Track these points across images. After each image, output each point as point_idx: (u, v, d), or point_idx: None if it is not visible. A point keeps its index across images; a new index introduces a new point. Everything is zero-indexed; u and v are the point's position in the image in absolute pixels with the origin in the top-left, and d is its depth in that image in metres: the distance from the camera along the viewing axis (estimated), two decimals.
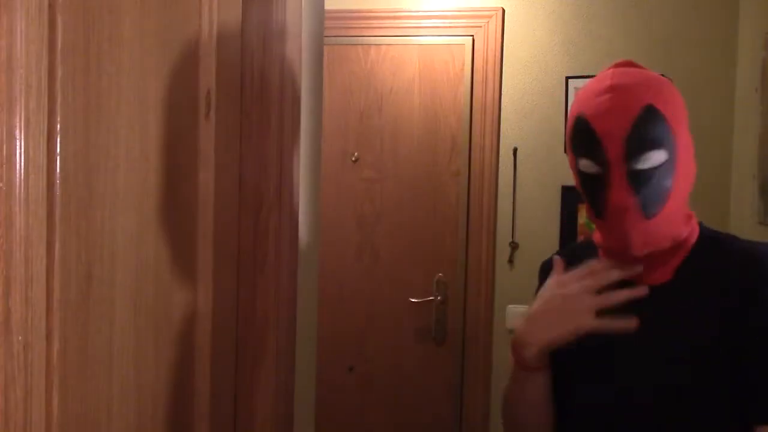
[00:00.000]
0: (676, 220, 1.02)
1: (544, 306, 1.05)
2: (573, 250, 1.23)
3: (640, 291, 1.01)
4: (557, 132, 2.74)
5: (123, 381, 0.84)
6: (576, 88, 2.70)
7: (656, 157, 0.97)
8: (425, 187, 2.86)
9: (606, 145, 0.98)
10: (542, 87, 2.76)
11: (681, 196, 1.01)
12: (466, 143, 2.81)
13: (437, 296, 2.85)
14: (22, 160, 0.61)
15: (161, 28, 0.89)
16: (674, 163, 0.98)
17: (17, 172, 0.61)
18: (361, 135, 2.89)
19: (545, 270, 1.20)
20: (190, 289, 1.00)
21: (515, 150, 2.78)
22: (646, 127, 0.97)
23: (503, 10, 2.77)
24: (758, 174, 2.23)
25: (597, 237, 1.14)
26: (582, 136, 1.02)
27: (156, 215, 0.90)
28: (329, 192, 2.86)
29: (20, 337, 0.62)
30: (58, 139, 0.68)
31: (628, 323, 1.00)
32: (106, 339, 0.79)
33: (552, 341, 1.03)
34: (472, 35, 2.80)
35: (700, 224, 1.10)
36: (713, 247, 1.06)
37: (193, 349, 1.02)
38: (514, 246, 2.78)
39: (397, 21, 2.85)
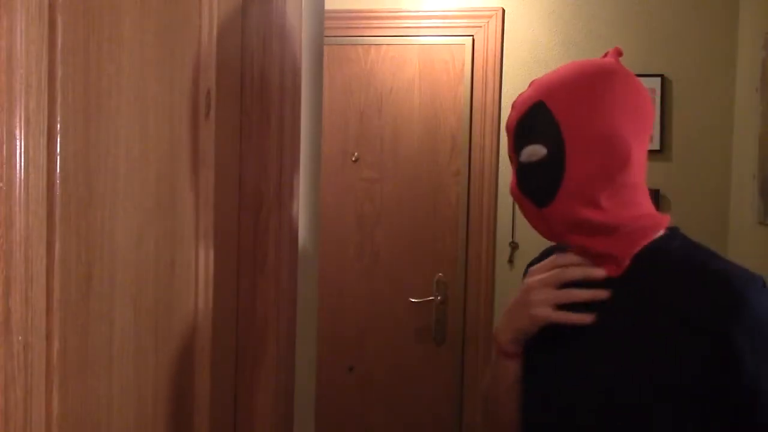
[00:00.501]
0: (578, 210, 0.98)
1: (516, 297, 1.09)
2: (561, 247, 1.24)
3: (601, 293, 1.01)
4: None
5: (123, 381, 0.84)
6: None
7: (535, 151, 1.01)
8: (425, 187, 2.86)
9: (507, 136, 1.07)
10: None
11: (578, 187, 0.97)
12: (466, 143, 2.81)
13: (437, 296, 2.85)
14: (22, 160, 0.61)
15: (161, 28, 0.89)
16: (562, 154, 0.98)
17: (17, 172, 0.61)
18: (361, 135, 2.89)
19: (530, 264, 1.22)
20: (190, 289, 1.00)
21: None
22: (527, 123, 1.02)
23: (503, 10, 2.77)
24: (758, 174, 2.23)
25: None
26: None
27: (156, 215, 0.90)
28: (329, 192, 2.86)
29: (20, 337, 0.62)
30: (58, 139, 0.68)
31: (583, 317, 1.01)
32: (106, 339, 0.79)
33: (516, 331, 1.07)
34: (472, 35, 2.80)
35: (675, 230, 1.05)
36: (679, 248, 1.01)
37: (193, 349, 1.02)
38: (514, 246, 2.78)
39: (397, 21, 2.85)
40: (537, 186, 1.01)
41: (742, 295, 0.91)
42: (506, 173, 2.78)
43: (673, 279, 0.98)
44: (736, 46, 2.60)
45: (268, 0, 1.14)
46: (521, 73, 2.77)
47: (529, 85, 1.07)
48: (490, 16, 2.77)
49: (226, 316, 1.12)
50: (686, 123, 2.64)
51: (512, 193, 1.06)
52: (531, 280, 1.06)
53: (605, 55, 1.08)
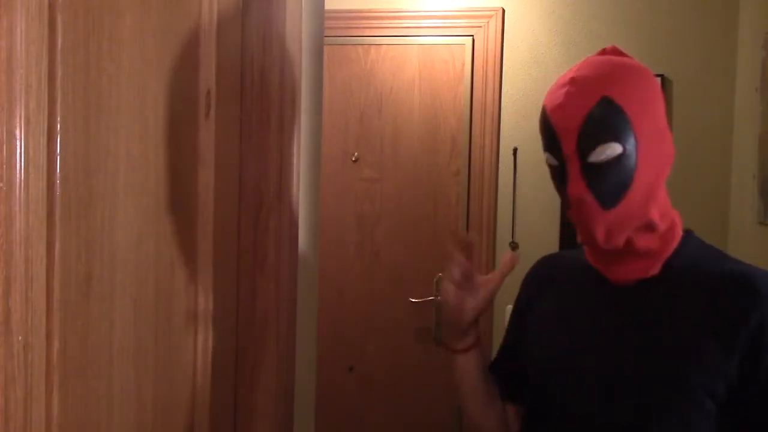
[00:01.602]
0: (643, 210, 0.99)
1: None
2: (566, 253, 1.25)
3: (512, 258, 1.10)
4: None
5: (123, 381, 0.84)
6: None
7: (610, 150, 0.95)
8: (425, 187, 2.86)
9: (561, 138, 0.98)
10: (542, 87, 2.76)
11: (646, 185, 0.98)
12: (466, 143, 2.81)
13: (437, 296, 2.85)
14: (22, 160, 0.61)
15: (161, 27, 0.89)
16: (634, 154, 0.96)
17: (17, 172, 0.61)
18: (361, 135, 2.89)
19: (529, 271, 1.26)
20: (190, 289, 1.00)
21: (515, 150, 2.78)
22: (600, 120, 0.95)
23: (503, 10, 2.77)
24: (758, 174, 2.23)
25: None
26: (544, 129, 1.02)
27: (156, 215, 0.90)
28: (329, 192, 2.86)
29: (20, 337, 0.62)
30: (58, 139, 0.68)
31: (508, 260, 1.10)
32: (106, 339, 0.79)
33: (447, 324, 1.15)
34: (472, 35, 2.80)
35: (689, 231, 1.08)
36: (700, 249, 1.04)
37: (193, 348, 1.02)
38: (514, 246, 2.78)
39: (397, 21, 2.85)
40: (608, 186, 0.96)
41: (763, 294, 0.95)
42: (506, 173, 2.78)
43: (701, 283, 0.99)
44: (736, 46, 2.60)
45: (268, 0, 1.14)
46: (521, 73, 2.77)
47: (565, 84, 0.98)
48: (490, 16, 2.77)
49: (226, 316, 1.12)
50: (686, 123, 2.64)
51: (573, 195, 0.97)
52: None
53: (603, 52, 1.05)
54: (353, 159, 2.90)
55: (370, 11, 2.86)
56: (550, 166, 1.03)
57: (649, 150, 0.98)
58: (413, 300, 2.86)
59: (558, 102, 0.98)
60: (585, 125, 0.96)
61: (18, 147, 0.61)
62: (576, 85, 0.97)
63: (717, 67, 2.62)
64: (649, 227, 1.00)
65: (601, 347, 1.02)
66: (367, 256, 2.91)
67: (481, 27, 2.78)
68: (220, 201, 1.07)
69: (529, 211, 2.77)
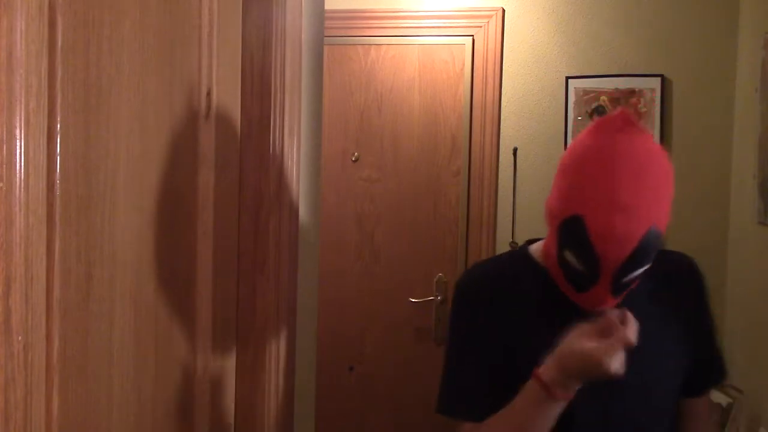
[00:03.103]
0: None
1: (579, 356, 1.01)
2: (503, 265, 1.21)
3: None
4: (557, 132, 2.74)
5: (123, 381, 0.84)
6: (576, 88, 2.70)
7: (643, 269, 1.01)
8: (425, 187, 2.86)
9: (602, 262, 0.99)
10: (542, 87, 2.76)
11: None
12: (466, 143, 2.81)
13: (437, 296, 2.85)
14: (22, 160, 0.61)
15: (161, 28, 0.89)
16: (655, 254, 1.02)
17: (17, 172, 0.61)
18: (361, 135, 2.89)
19: (466, 293, 1.17)
20: (190, 288, 1.00)
21: (515, 150, 2.78)
22: (646, 250, 0.99)
23: (503, 10, 2.77)
24: (758, 174, 2.23)
25: (544, 259, 1.13)
26: (576, 239, 1.00)
27: (156, 215, 0.90)
28: (329, 192, 2.86)
29: (20, 337, 0.62)
30: (58, 139, 0.68)
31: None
32: (106, 339, 0.79)
33: (582, 380, 1.03)
34: (472, 35, 2.80)
35: None
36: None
37: (193, 348, 1.02)
38: (514, 246, 2.78)
39: (397, 21, 2.85)
40: (627, 290, 1.04)
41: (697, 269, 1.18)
42: (506, 173, 2.78)
43: (653, 280, 1.12)
44: (736, 46, 2.60)
45: (268, 0, 1.14)
46: (521, 73, 2.77)
47: (616, 210, 0.97)
48: (490, 16, 2.77)
49: (226, 316, 1.12)
50: (686, 123, 2.64)
51: (595, 302, 1.03)
52: (598, 349, 0.99)
53: (623, 124, 1.01)
54: (353, 159, 2.90)
55: (370, 11, 2.86)
56: (569, 262, 1.03)
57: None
58: (413, 300, 2.86)
59: (609, 232, 0.97)
60: (632, 256, 0.98)
61: (18, 147, 0.61)
62: (625, 213, 0.97)
63: (717, 67, 2.62)
64: None
65: None
66: (367, 256, 2.91)
67: (481, 27, 2.78)
68: (220, 201, 1.07)
69: (529, 211, 2.77)
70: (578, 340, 1.01)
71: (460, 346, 1.17)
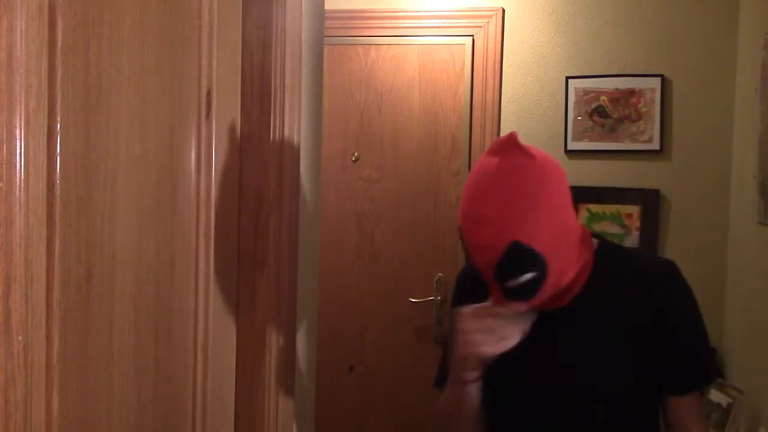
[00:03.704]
0: (562, 271, 1.10)
1: (459, 335, 1.15)
2: (471, 271, 1.30)
3: (520, 307, 1.12)
4: (557, 132, 2.74)
5: (123, 381, 0.84)
6: (576, 88, 2.70)
7: (525, 277, 1.05)
8: (425, 187, 2.86)
9: (481, 269, 1.09)
10: (542, 87, 2.76)
11: (558, 266, 1.08)
12: (466, 143, 2.81)
13: (437, 296, 2.85)
14: (22, 160, 0.61)
15: (161, 27, 0.89)
16: (545, 266, 1.05)
17: (17, 172, 0.61)
18: (361, 135, 2.89)
19: (462, 282, 1.33)
20: (189, 289, 1.00)
21: None
22: (512, 262, 1.05)
23: (503, 10, 2.77)
24: (758, 174, 2.23)
25: None
26: (463, 245, 1.17)
27: (156, 215, 0.90)
28: (329, 192, 2.86)
29: (20, 337, 0.62)
30: (58, 139, 0.68)
31: (519, 307, 1.11)
32: (106, 339, 0.79)
33: (472, 365, 1.15)
34: (472, 35, 2.80)
35: (598, 240, 1.21)
36: (611, 265, 1.18)
37: (193, 348, 1.02)
38: None
39: (397, 21, 2.85)
40: (525, 294, 1.08)
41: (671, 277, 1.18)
42: None
43: (614, 282, 1.17)
44: (736, 46, 2.60)
45: (268, 0, 1.14)
46: (521, 73, 2.77)
47: (478, 224, 1.06)
48: (490, 16, 2.77)
49: (226, 316, 1.12)
50: (686, 123, 2.64)
51: (497, 303, 1.11)
52: (470, 326, 1.13)
53: (506, 146, 1.08)
54: (353, 159, 2.90)
55: (370, 11, 2.86)
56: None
57: (556, 255, 1.07)
58: (413, 300, 2.86)
59: (474, 243, 1.08)
60: (500, 265, 1.05)
61: (18, 147, 0.61)
62: (488, 227, 1.05)
63: (717, 67, 2.62)
64: (569, 276, 1.13)
65: (541, 344, 1.16)
66: (367, 256, 2.91)
67: (481, 27, 2.78)
68: (220, 201, 1.07)
69: None
70: (460, 320, 1.14)
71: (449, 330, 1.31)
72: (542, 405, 1.19)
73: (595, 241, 1.21)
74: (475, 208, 1.07)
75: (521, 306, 1.09)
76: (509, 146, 1.08)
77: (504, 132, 2.79)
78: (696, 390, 1.21)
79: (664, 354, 1.16)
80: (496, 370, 1.16)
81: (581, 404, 1.17)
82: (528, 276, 1.05)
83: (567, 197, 1.10)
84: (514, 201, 1.05)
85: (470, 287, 1.28)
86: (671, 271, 1.18)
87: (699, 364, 1.20)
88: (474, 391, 1.19)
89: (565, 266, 1.11)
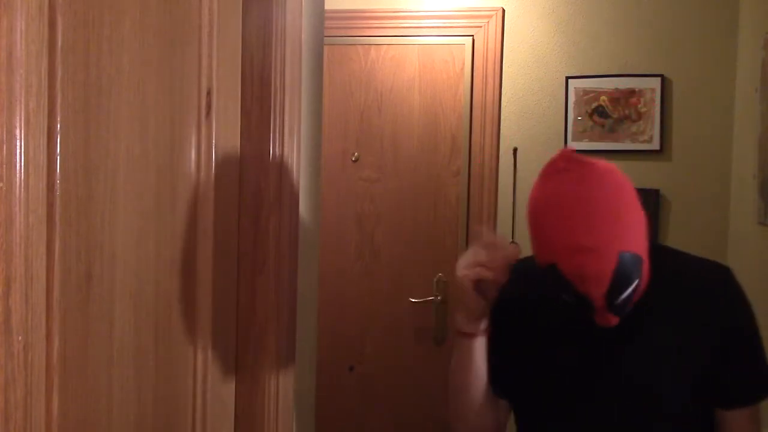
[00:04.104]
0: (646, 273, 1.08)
1: None
2: (533, 269, 1.23)
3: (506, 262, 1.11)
4: (557, 132, 2.74)
5: (123, 381, 0.84)
6: (576, 88, 2.70)
7: (632, 288, 1.02)
8: (425, 187, 2.86)
9: (589, 296, 1.02)
10: (542, 87, 2.76)
11: (647, 261, 1.06)
12: (466, 143, 2.81)
13: (437, 296, 2.85)
14: (22, 160, 0.61)
15: (161, 28, 0.89)
16: (642, 267, 1.03)
17: (17, 172, 0.61)
18: (361, 135, 2.89)
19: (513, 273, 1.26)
20: (190, 289, 1.00)
21: (515, 150, 2.78)
22: (624, 275, 1.01)
23: (503, 10, 2.77)
24: (758, 174, 2.23)
25: None
26: (561, 284, 1.05)
27: (156, 215, 0.90)
28: (329, 192, 2.86)
29: (20, 337, 0.62)
30: (58, 139, 0.68)
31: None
32: (106, 339, 0.79)
33: (463, 310, 1.17)
34: (472, 35, 2.80)
35: (655, 244, 1.18)
36: (666, 271, 1.14)
37: (193, 348, 1.02)
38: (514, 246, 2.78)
39: (397, 21, 2.85)
40: (627, 305, 1.04)
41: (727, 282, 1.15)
42: (506, 173, 2.78)
43: (671, 292, 1.13)
44: (736, 46, 2.60)
45: (268, 0, 1.14)
46: (521, 73, 2.77)
47: (577, 252, 1.01)
48: (490, 16, 2.77)
49: (226, 316, 1.12)
50: (686, 123, 2.64)
51: (600, 324, 1.06)
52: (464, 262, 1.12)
53: (561, 162, 1.05)
54: (353, 159, 2.90)
55: (370, 11, 2.86)
56: (570, 302, 1.07)
57: (645, 247, 1.05)
58: (413, 300, 2.86)
59: (579, 273, 1.01)
60: (612, 285, 1.00)
61: (18, 147, 0.61)
62: (591, 253, 1.00)
63: (717, 67, 2.62)
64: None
65: (604, 360, 1.14)
66: (367, 256, 2.91)
67: (481, 27, 2.78)
68: (220, 201, 1.07)
69: None
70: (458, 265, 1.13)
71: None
72: (597, 419, 1.14)
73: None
74: (570, 235, 1.01)
75: (614, 320, 1.06)
76: (572, 163, 1.04)
77: (504, 132, 2.79)
78: (758, 400, 1.16)
79: (724, 365, 1.11)
80: (550, 381, 1.15)
81: (641, 421, 1.12)
82: (635, 283, 1.03)
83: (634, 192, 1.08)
84: (604, 216, 1.01)
85: (521, 283, 1.22)
86: (728, 279, 1.14)
87: (760, 372, 1.15)
88: (479, 349, 1.17)
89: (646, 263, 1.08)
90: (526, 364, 1.20)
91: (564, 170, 1.04)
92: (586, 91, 2.70)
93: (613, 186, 1.03)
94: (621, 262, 1.00)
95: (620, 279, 1.01)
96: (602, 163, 1.06)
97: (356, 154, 2.90)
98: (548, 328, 1.19)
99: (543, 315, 1.20)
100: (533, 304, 1.21)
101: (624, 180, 1.06)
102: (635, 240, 1.02)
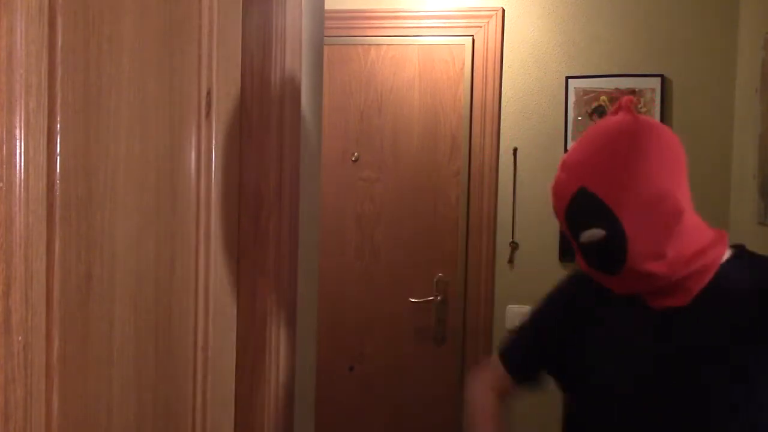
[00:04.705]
0: (652, 264, 1.02)
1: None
2: (591, 280, 1.20)
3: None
4: (557, 132, 2.74)
5: (123, 381, 0.84)
6: (576, 88, 2.70)
7: (593, 234, 1.02)
8: (425, 187, 2.86)
9: (558, 218, 1.08)
10: (542, 87, 2.76)
11: (645, 249, 1.01)
12: (466, 143, 2.81)
13: (437, 296, 2.85)
14: (22, 160, 0.61)
15: (161, 27, 0.89)
16: (621, 231, 1.00)
17: (17, 172, 0.61)
18: (361, 134, 2.89)
19: (561, 300, 1.27)
20: (190, 289, 1.00)
21: (515, 150, 2.78)
22: (575, 210, 1.03)
23: (503, 10, 2.77)
24: (758, 174, 2.23)
25: None
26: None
27: (156, 215, 0.90)
28: (329, 192, 2.86)
29: (20, 337, 0.62)
30: (58, 139, 0.68)
31: None
32: (106, 339, 0.79)
33: None
34: (472, 35, 2.80)
35: (740, 247, 1.13)
36: (743, 269, 1.08)
37: (193, 348, 1.02)
38: (514, 246, 2.78)
39: (397, 21, 2.85)
40: (605, 261, 1.04)
41: None
42: (506, 173, 2.79)
43: (737, 300, 1.05)
44: (736, 46, 2.60)
45: (268, 0, 1.14)
46: (521, 73, 2.77)
47: (561, 166, 1.06)
48: (490, 16, 2.77)
49: (226, 316, 1.12)
50: (686, 123, 2.64)
51: (583, 269, 1.09)
52: None
53: (617, 109, 1.07)
54: (353, 159, 2.90)
55: (370, 11, 2.86)
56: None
57: (641, 220, 1.00)
58: (413, 300, 2.86)
59: (552, 186, 1.08)
60: (568, 212, 1.05)
61: (18, 147, 0.61)
62: (564, 171, 1.05)
63: (717, 67, 2.62)
64: (660, 277, 1.04)
65: (655, 365, 1.08)
66: (367, 256, 2.91)
67: (481, 27, 2.78)
68: (220, 201, 1.07)
69: (529, 211, 2.77)
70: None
71: (537, 315, 1.31)
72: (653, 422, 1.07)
73: (731, 249, 1.12)
74: (569, 153, 1.06)
75: (615, 284, 1.05)
76: (618, 108, 1.07)
77: (504, 132, 2.79)
78: None
79: None
80: (601, 373, 1.12)
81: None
82: (597, 233, 1.01)
83: (671, 169, 1.01)
84: (598, 151, 1.01)
85: (573, 295, 1.23)
86: None
87: None
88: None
89: (665, 248, 1.01)
90: (598, 366, 1.15)
91: (614, 111, 1.08)
92: (586, 91, 2.70)
93: (630, 137, 1.01)
94: (578, 193, 1.02)
95: (573, 208, 1.03)
96: (649, 121, 1.04)
97: (356, 153, 2.90)
98: (616, 326, 1.15)
99: (611, 313, 1.16)
100: (602, 302, 1.17)
101: (661, 151, 1.01)
102: (617, 194, 0.99)
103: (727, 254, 1.10)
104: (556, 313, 1.25)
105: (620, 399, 1.10)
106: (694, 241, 1.04)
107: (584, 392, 1.16)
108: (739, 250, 1.12)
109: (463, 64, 2.80)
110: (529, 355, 1.30)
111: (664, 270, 1.02)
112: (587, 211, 1.01)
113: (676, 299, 1.07)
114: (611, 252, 1.02)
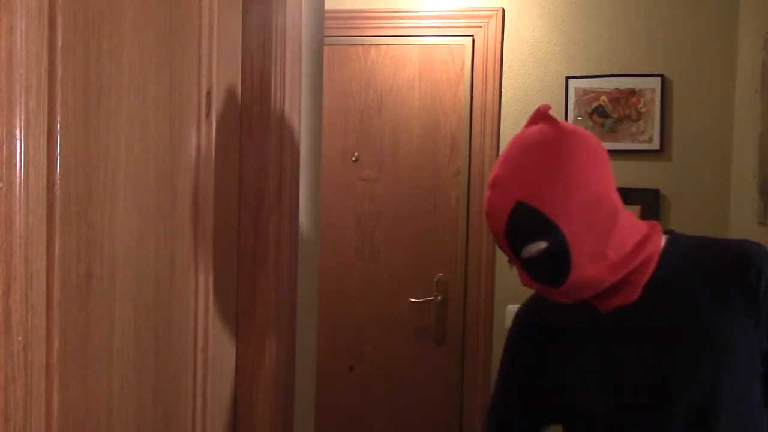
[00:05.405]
0: (596, 270, 1.03)
1: None
2: (542, 301, 1.22)
3: None
4: None
5: (123, 381, 0.84)
6: (576, 88, 2.70)
7: (536, 247, 1.01)
8: (425, 187, 2.86)
9: (497, 240, 1.06)
10: (542, 87, 2.76)
11: (589, 254, 1.02)
12: (466, 143, 2.81)
13: (437, 296, 2.85)
14: (22, 160, 0.61)
15: (161, 27, 0.89)
16: (563, 239, 1.00)
17: (17, 172, 0.61)
18: (361, 134, 2.89)
19: (522, 321, 1.24)
20: (190, 289, 1.00)
21: None
22: (515, 227, 1.01)
23: (503, 10, 2.77)
24: (758, 174, 2.23)
25: None
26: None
27: (156, 215, 0.90)
28: (329, 192, 2.86)
29: (20, 337, 0.62)
30: (58, 139, 0.68)
31: None
32: (106, 339, 0.79)
33: None
34: (472, 35, 2.80)
35: (671, 232, 1.14)
36: (679, 254, 1.10)
37: (193, 348, 1.02)
38: None
39: (397, 21, 2.85)
40: (549, 273, 1.03)
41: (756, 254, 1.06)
42: None
43: (681, 286, 1.07)
44: (736, 46, 2.60)
45: (268, 0, 1.14)
46: (521, 73, 2.77)
47: (491, 185, 1.05)
48: (490, 16, 2.77)
49: (226, 316, 1.12)
50: (686, 123, 2.64)
51: (526, 285, 1.07)
52: None
53: (535, 118, 1.07)
54: (353, 159, 2.90)
55: (370, 11, 2.86)
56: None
57: (581, 226, 1.01)
58: (413, 300, 2.86)
59: (485, 207, 1.06)
60: (507, 230, 1.02)
61: (18, 147, 0.61)
62: (496, 189, 1.04)
63: (717, 67, 2.62)
64: (606, 280, 1.05)
65: (630, 363, 1.09)
66: (367, 256, 2.91)
67: (481, 27, 2.78)
68: (220, 201, 1.07)
69: None
70: None
71: (505, 375, 1.27)
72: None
73: (665, 236, 1.13)
74: (491, 174, 1.05)
75: (561, 296, 1.04)
76: (536, 117, 1.06)
77: (504, 132, 2.79)
78: None
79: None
80: (575, 388, 1.12)
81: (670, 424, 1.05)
82: (541, 245, 1.00)
83: (601, 172, 1.03)
84: (528, 163, 1.01)
85: (532, 329, 1.21)
86: (746, 253, 1.06)
87: None
88: None
89: (606, 250, 1.02)
90: (575, 382, 1.15)
91: (528, 122, 1.08)
92: (586, 91, 2.70)
93: (556, 145, 1.02)
94: (517, 207, 1.00)
95: (513, 225, 1.01)
96: (569, 128, 1.04)
97: (356, 153, 2.90)
98: (580, 340, 1.15)
99: (570, 331, 1.16)
100: (558, 324, 1.17)
101: (587, 153, 1.02)
102: (552, 202, 0.99)
103: (662, 242, 1.11)
104: (520, 360, 1.22)
105: (609, 408, 1.10)
106: (630, 237, 1.05)
107: (574, 413, 1.16)
108: (672, 236, 1.13)
109: (463, 64, 2.80)
110: (517, 415, 1.24)
111: (607, 272, 1.03)
112: (527, 226, 1.01)
113: (624, 297, 1.08)
114: (555, 262, 1.02)
